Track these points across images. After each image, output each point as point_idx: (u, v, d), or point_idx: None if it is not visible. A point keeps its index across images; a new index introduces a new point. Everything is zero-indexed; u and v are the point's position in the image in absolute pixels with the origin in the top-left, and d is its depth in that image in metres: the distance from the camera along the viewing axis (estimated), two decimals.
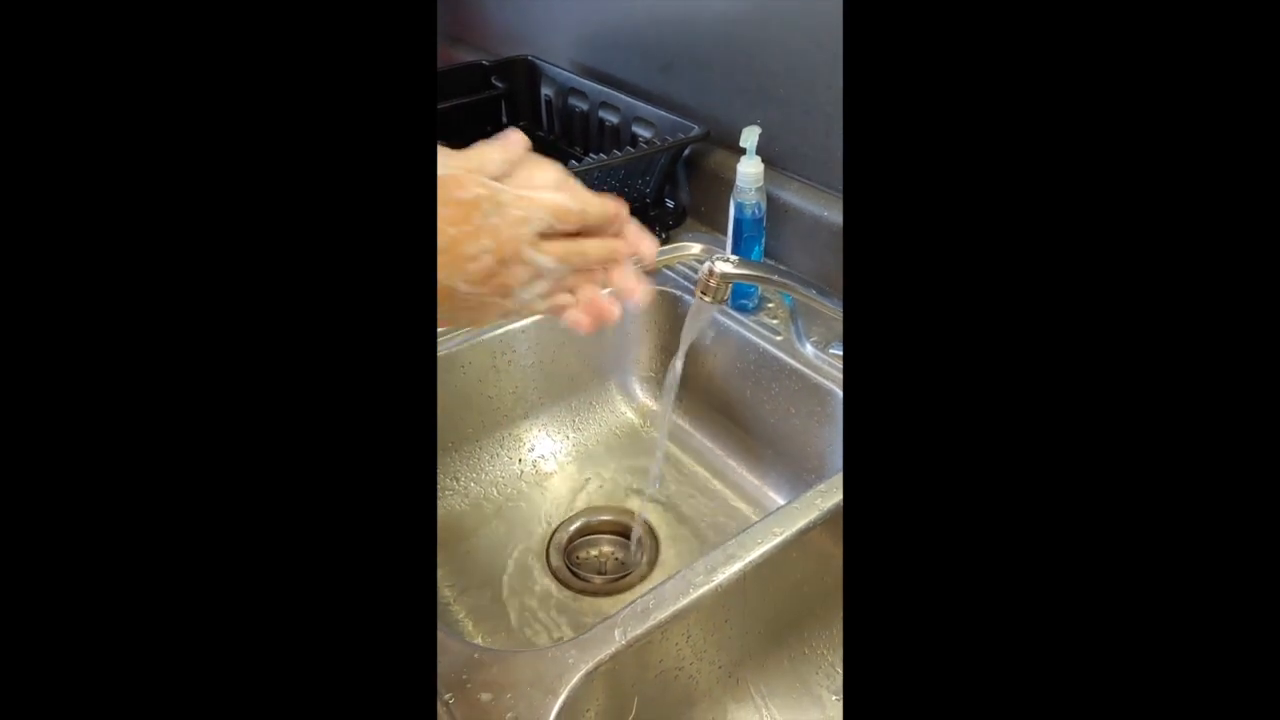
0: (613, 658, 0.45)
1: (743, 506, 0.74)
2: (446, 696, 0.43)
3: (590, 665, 0.44)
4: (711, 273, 0.49)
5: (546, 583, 0.68)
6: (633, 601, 0.48)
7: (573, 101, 0.97)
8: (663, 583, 0.49)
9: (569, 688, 0.43)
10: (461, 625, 0.63)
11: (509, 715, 0.42)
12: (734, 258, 0.50)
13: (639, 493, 0.76)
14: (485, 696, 0.43)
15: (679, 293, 0.78)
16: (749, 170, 0.68)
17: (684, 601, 0.48)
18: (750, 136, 0.66)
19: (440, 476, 0.75)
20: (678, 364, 0.53)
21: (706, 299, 0.50)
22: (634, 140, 0.88)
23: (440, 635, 0.47)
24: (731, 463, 0.77)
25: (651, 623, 0.47)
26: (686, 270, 0.81)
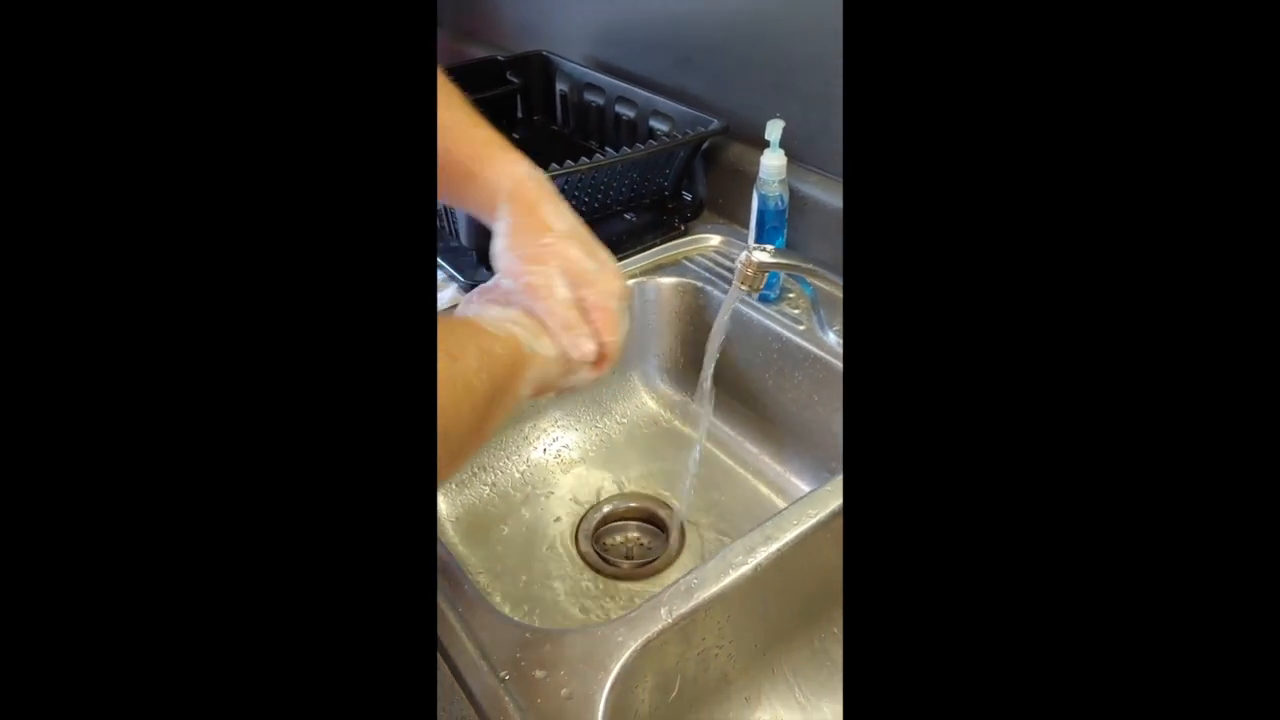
0: (660, 635, 0.47)
1: (767, 493, 0.75)
2: (502, 674, 0.45)
3: (640, 642, 0.46)
4: (749, 262, 0.50)
5: (577, 568, 0.70)
6: (676, 581, 0.49)
7: (589, 96, 0.98)
8: (703, 564, 0.51)
9: (620, 664, 0.45)
10: (499, 608, 0.64)
11: (563, 691, 0.44)
12: (769, 247, 0.52)
13: (666, 481, 0.77)
14: (540, 674, 0.45)
15: (700, 284, 0.79)
16: (772, 163, 0.69)
17: (725, 581, 0.50)
18: (775, 129, 0.67)
19: (469, 467, 0.77)
20: (712, 356, 0.54)
21: (744, 288, 0.51)
22: (651, 134, 0.89)
23: (490, 617, 0.49)
24: (754, 450, 0.78)
25: (695, 602, 0.48)
26: (706, 262, 0.82)
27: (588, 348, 0.45)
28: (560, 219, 0.47)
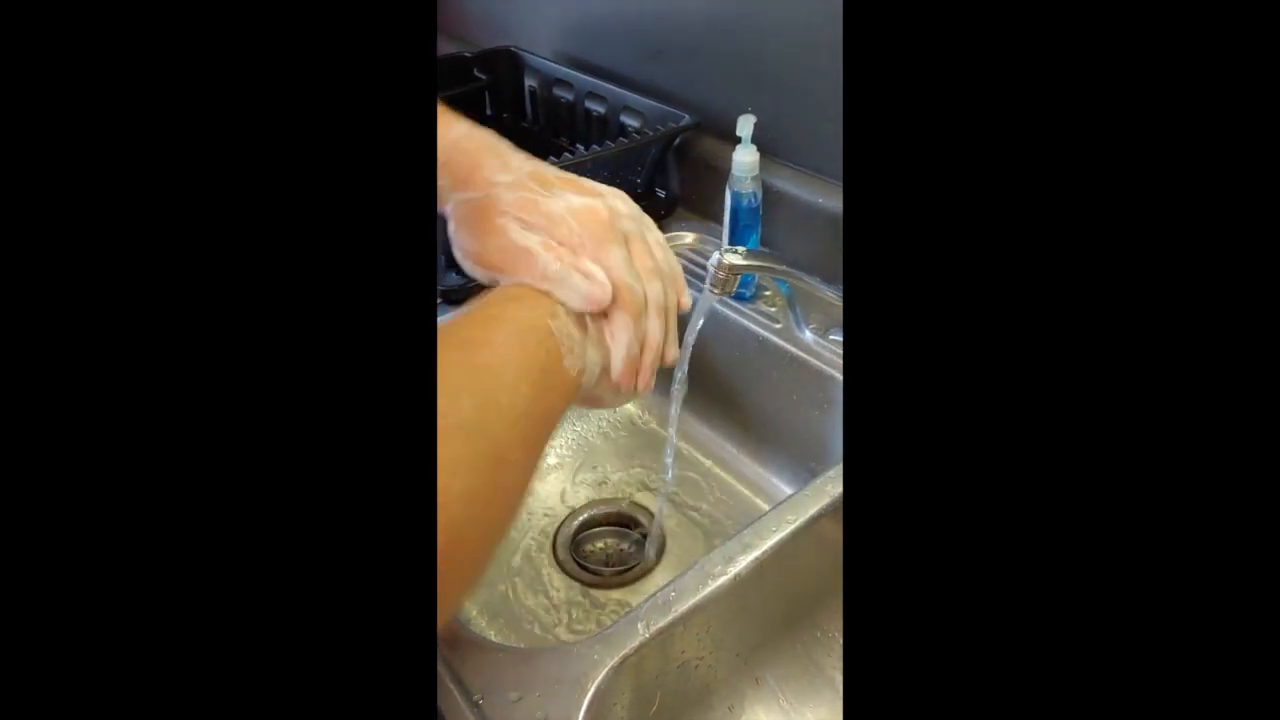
0: (637, 650, 0.46)
1: (747, 493, 0.75)
2: (476, 698, 0.43)
3: (616, 660, 0.45)
4: (720, 264, 0.49)
5: (555, 576, 0.68)
6: (654, 594, 0.48)
7: (558, 92, 0.96)
8: (682, 574, 0.49)
9: (596, 683, 0.44)
10: (475, 623, 0.63)
11: (539, 714, 0.43)
12: (741, 249, 0.51)
13: (644, 485, 0.76)
14: (514, 695, 0.43)
15: None
16: (745, 159, 0.68)
17: (704, 592, 0.48)
18: (746, 125, 0.66)
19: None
20: (685, 356, 0.53)
21: (715, 291, 0.50)
22: (622, 130, 0.88)
23: (463, 636, 0.47)
24: (733, 450, 0.77)
25: (673, 615, 0.47)
26: (682, 260, 0.80)
27: (582, 287, 0.38)
28: (503, 171, 0.40)
